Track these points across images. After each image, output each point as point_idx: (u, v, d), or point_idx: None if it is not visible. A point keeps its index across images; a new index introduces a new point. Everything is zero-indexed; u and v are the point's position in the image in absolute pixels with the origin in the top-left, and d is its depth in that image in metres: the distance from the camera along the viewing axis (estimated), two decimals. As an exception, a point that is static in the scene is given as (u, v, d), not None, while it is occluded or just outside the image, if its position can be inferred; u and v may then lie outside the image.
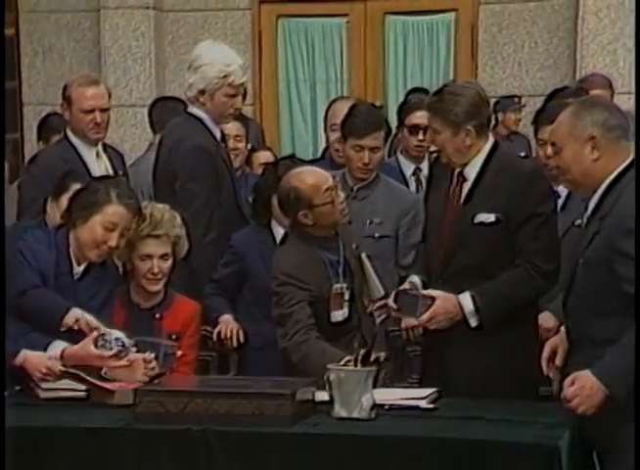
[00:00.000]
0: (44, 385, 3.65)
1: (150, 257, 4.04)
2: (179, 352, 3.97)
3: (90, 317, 3.74)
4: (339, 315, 3.99)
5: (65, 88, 4.92)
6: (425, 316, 3.81)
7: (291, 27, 7.61)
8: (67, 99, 4.84)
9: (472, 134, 3.86)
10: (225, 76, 4.70)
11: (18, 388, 3.71)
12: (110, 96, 4.91)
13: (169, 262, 4.10)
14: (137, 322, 4.05)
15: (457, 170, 3.94)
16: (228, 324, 4.48)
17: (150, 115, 5.94)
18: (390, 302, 3.88)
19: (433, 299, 3.81)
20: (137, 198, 4.13)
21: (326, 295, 3.95)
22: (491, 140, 3.96)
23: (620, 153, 3.32)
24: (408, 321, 4.23)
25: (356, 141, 4.62)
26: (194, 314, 4.19)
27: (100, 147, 4.87)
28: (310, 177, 4.00)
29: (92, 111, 4.77)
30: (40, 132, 5.79)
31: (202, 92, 4.72)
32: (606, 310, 3.24)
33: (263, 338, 4.34)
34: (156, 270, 4.05)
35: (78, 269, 3.93)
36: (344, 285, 3.99)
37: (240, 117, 5.31)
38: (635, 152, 3.33)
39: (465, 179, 3.93)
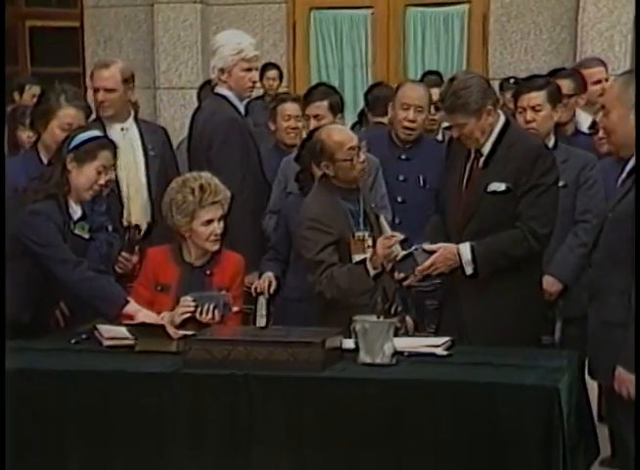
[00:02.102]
0: (106, 334, 3.67)
1: (211, 221, 3.96)
2: (234, 307, 3.95)
3: (146, 312, 3.71)
4: (361, 259, 3.93)
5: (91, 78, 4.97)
6: (426, 264, 3.80)
7: (322, 18, 7.56)
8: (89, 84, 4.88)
9: (492, 112, 3.84)
10: (238, 53, 4.72)
11: (84, 336, 3.72)
12: (126, 79, 4.80)
13: (223, 222, 4.05)
14: (190, 279, 3.99)
15: (473, 146, 3.91)
16: (264, 279, 4.48)
17: (198, 95, 5.93)
18: (397, 274, 3.87)
19: (434, 252, 3.82)
20: (85, 101, 4.23)
21: (348, 240, 3.92)
22: (503, 118, 3.93)
23: None
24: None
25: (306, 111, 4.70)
26: (239, 268, 4.11)
27: (128, 123, 4.80)
28: (337, 134, 3.99)
29: (97, 90, 4.73)
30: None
31: (221, 71, 4.72)
32: (623, 262, 3.19)
33: (300, 290, 4.33)
34: (218, 232, 3.96)
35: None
36: (366, 233, 3.94)
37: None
38: (636, 151, 3.27)
39: (481, 154, 3.90)
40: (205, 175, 4.05)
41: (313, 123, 4.78)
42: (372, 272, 3.87)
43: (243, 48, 4.73)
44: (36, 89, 5.30)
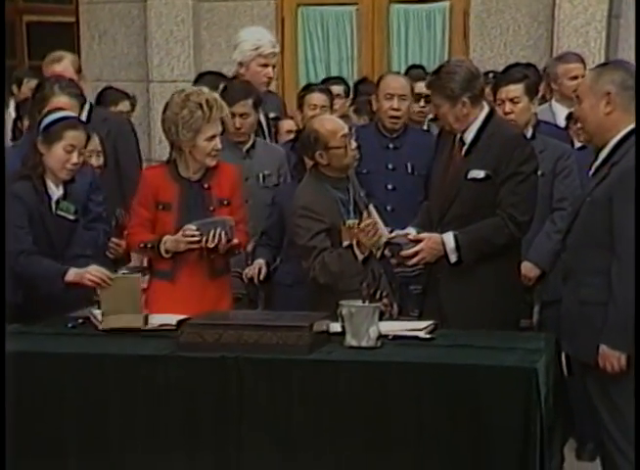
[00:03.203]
0: (101, 318, 3.65)
1: (214, 136, 3.90)
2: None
3: (93, 268, 3.67)
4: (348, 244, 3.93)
5: (39, 69, 4.99)
6: (410, 251, 3.81)
7: (309, 15, 7.52)
8: (42, 77, 4.87)
9: (467, 104, 3.83)
10: (256, 48, 4.82)
11: (80, 320, 3.70)
12: (78, 70, 4.93)
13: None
14: (189, 195, 3.94)
15: (458, 136, 3.92)
16: (255, 265, 4.47)
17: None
18: (387, 251, 3.88)
19: (419, 241, 3.81)
20: (80, 89, 4.26)
21: (339, 228, 3.92)
22: (487, 109, 3.94)
23: (631, 112, 3.27)
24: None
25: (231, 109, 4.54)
26: (236, 178, 4.06)
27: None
28: (329, 123, 4.01)
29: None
30: (98, 103, 5.74)
31: (240, 64, 4.86)
32: (600, 244, 3.22)
33: (293, 276, 4.32)
34: (219, 147, 3.92)
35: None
36: (356, 221, 3.94)
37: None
38: (636, 149, 3.27)
39: (464, 143, 3.91)
40: (206, 90, 3.98)
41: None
42: (360, 257, 3.87)
43: (261, 44, 4.84)
44: (34, 82, 5.28)
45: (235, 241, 3.89)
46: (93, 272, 3.66)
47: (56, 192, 3.87)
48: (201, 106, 3.85)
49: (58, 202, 3.87)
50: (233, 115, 4.49)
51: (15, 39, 8.07)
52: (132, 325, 3.54)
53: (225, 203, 3.99)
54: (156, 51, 7.28)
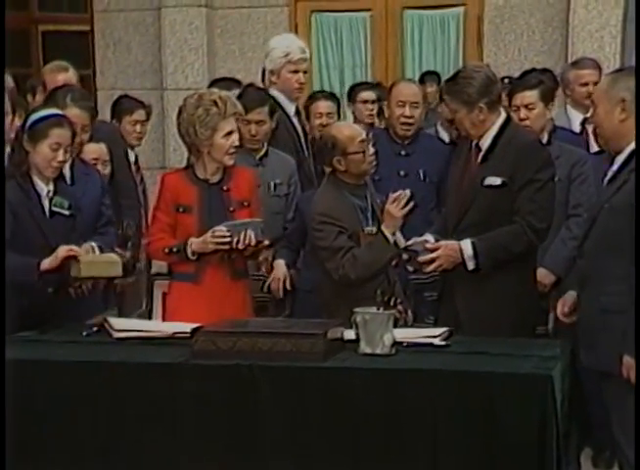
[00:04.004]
0: (117, 327, 3.65)
1: (231, 133, 3.92)
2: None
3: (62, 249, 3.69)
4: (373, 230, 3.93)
5: (40, 75, 4.98)
6: (427, 257, 3.79)
7: (322, 21, 7.54)
8: (42, 84, 4.87)
9: (484, 110, 3.82)
10: (286, 55, 4.83)
11: (95, 328, 3.70)
12: (81, 79, 4.99)
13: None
14: (210, 197, 3.95)
15: (474, 142, 3.91)
16: (277, 274, 4.47)
17: None
18: (405, 256, 3.87)
19: (438, 248, 3.81)
20: (91, 100, 4.24)
21: (358, 234, 3.91)
22: (504, 115, 3.93)
23: None
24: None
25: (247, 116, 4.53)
26: (253, 181, 4.08)
27: None
28: (347, 129, 4.02)
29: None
30: (113, 112, 5.77)
31: (271, 72, 4.86)
32: (620, 250, 3.20)
33: (312, 282, 4.31)
34: (236, 143, 3.94)
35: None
36: (374, 228, 3.93)
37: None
38: (636, 148, 3.25)
39: (480, 150, 3.90)
40: (217, 90, 4.01)
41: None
42: (390, 238, 3.85)
43: (290, 51, 4.86)
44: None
45: (265, 242, 3.90)
46: (64, 247, 3.67)
47: (44, 188, 3.87)
48: (215, 102, 3.88)
49: (52, 198, 3.88)
50: (248, 122, 4.49)
51: (30, 48, 8.11)
52: (110, 274, 3.58)
53: (245, 204, 4.01)
54: (170, 59, 7.31)
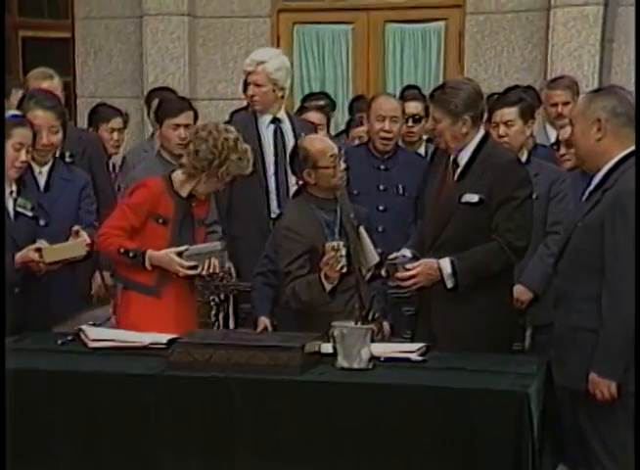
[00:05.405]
0: (92, 336, 3.62)
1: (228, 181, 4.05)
2: None
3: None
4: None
5: (24, 81, 4.94)
6: (406, 274, 3.78)
7: (305, 33, 7.54)
8: (26, 90, 4.85)
9: (468, 123, 3.82)
10: (246, 70, 4.85)
11: (70, 337, 3.67)
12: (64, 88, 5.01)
13: None
14: (181, 211, 3.99)
15: (452, 157, 3.90)
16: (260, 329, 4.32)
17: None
18: (383, 272, 3.87)
19: (417, 265, 3.80)
20: (59, 104, 4.31)
21: (321, 249, 3.89)
22: (482, 131, 3.92)
23: (623, 138, 3.27)
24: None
25: (171, 120, 4.60)
26: (210, 201, 4.19)
27: None
28: (319, 143, 4.02)
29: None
30: (90, 120, 5.74)
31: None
32: (591, 269, 3.22)
33: None
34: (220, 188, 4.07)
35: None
36: (341, 242, 3.91)
37: None
38: (636, 148, 3.27)
39: (457, 166, 3.89)
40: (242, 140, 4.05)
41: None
42: (327, 287, 3.87)
43: (245, 64, 4.91)
44: (21, 92, 5.31)
45: (226, 268, 3.93)
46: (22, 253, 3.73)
47: (7, 189, 3.86)
48: (246, 154, 3.98)
49: (16, 199, 3.88)
50: (177, 126, 4.57)
51: (10, 54, 8.06)
52: (75, 254, 3.67)
53: (205, 222, 4.13)
54: (151, 68, 7.28)
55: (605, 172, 3.28)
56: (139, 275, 3.96)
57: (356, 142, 5.32)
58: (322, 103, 5.92)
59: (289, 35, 7.49)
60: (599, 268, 3.19)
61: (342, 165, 4.00)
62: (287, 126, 4.88)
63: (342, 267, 3.83)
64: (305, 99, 6.25)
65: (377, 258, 3.96)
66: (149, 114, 5.81)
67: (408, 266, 3.79)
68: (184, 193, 4.01)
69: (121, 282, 4.11)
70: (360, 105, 5.84)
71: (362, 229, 4.07)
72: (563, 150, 4.68)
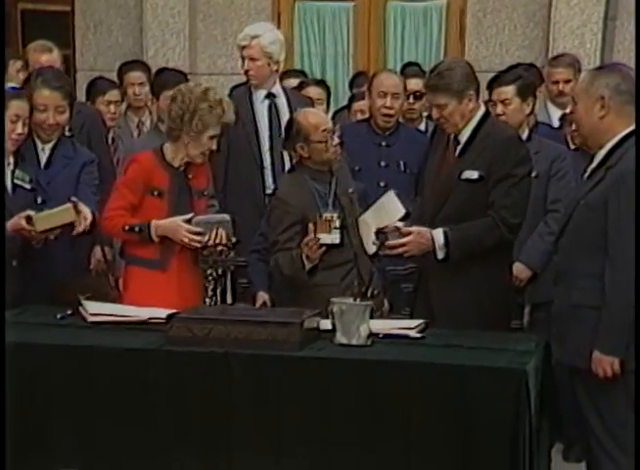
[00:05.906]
0: (91, 310, 3.62)
1: (214, 137, 3.97)
2: None
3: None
4: (327, 239, 3.91)
5: (23, 53, 4.92)
6: (397, 241, 3.77)
7: (305, 10, 7.49)
8: (25, 62, 4.80)
9: (473, 98, 3.82)
10: (240, 44, 4.86)
11: (69, 311, 3.66)
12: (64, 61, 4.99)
13: None
14: (177, 182, 3.96)
15: (452, 135, 3.89)
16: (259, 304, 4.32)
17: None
18: (373, 239, 3.85)
19: (409, 233, 3.78)
20: (65, 81, 4.25)
21: (314, 220, 3.89)
22: (483, 109, 3.91)
23: (626, 115, 3.26)
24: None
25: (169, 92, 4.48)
26: (209, 172, 4.15)
27: None
28: (313, 117, 4.01)
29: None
30: (89, 93, 5.71)
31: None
32: (594, 247, 3.21)
33: None
34: (214, 148, 3.99)
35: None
36: (335, 214, 3.92)
37: None
38: (636, 128, 3.25)
39: (458, 142, 3.88)
40: (217, 90, 4.03)
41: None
42: (307, 266, 3.87)
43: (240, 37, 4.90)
44: (19, 63, 5.25)
45: (234, 239, 3.89)
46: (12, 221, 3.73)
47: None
48: (220, 104, 3.91)
49: (13, 171, 3.87)
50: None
51: (10, 26, 8.01)
52: (65, 220, 3.67)
53: (205, 194, 4.08)
54: (151, 42, 7.24)
55: (608, 150, 3.27)
56: (144, 250, 3.94)
57: (358, 116, 5.30)
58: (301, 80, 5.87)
59: (289, 12, 7.44)
60: (601, 246, 3.19)
61: (336, 140, 3.98)
62: (282, 101, 4.87)
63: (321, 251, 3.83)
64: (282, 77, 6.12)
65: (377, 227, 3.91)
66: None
67: (403, 231, 3.78)
68: (177, 163, 3.99)
69: (126, 260, 4.09)
70: (361, 81, 5.81)
71: (392, 192, 4.01)
72: (574, 126, 4.65)
